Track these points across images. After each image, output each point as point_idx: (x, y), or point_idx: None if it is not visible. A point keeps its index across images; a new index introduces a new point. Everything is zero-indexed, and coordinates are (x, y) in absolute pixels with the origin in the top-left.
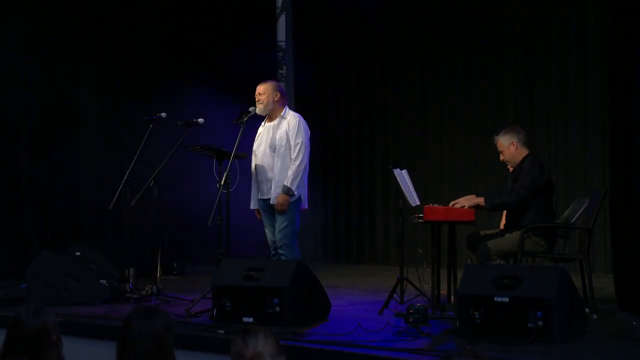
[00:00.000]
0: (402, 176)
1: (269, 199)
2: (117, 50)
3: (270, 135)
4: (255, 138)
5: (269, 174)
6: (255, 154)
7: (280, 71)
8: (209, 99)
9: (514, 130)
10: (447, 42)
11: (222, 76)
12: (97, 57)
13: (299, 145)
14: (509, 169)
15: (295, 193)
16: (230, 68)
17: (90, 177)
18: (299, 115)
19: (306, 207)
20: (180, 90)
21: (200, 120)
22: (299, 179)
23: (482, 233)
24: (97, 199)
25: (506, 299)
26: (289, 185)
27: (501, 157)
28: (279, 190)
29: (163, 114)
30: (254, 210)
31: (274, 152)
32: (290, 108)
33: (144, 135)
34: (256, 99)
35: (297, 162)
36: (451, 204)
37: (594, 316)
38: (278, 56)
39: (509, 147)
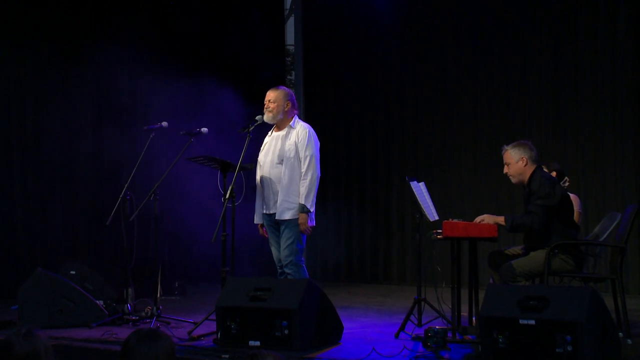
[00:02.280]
0: (419, 189)
1: (275, 214)
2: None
3: (279, 146)
4: (261, 148)
5: (276, 187)
6: (261, 165)
7: (289, 77)
8: (213, 108)
9: (527, 146)
10: (470, 46)
11: (226, 83)
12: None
13: (308, 158)
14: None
15: (311, 209)
16: (235, 74)
17: (86, 191)
18: (308, 126)
19: (313, 223)
20: (179, 97)
21: (204, 129)
22: (312, 194)
23: (505, 251)
24: (94, 214)
25: (532, 322)
26: (303, 202)
27: (505, 170)
28: (287, 205)
29: (164, 123)
30: (258, 225)
31: (282, 163)
32: (299, 117)
33: (143, 146)
34: (265, 106)
35: (309, 177)
36: (476, 220)
37: (628, 341)
38: (287, 61)
39: (518, 162)
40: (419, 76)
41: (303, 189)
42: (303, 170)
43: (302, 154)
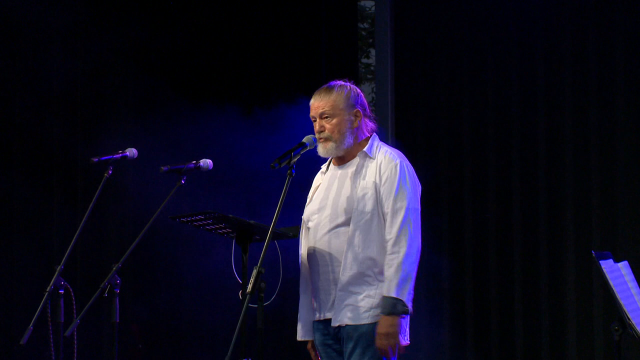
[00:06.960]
0: (619, 275)
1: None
2: None
3: (346, 191)
4: (309, 196)
5: (337, 267)
6: (309, 228)
7: (364, 59)
8: (227, 121)
9: None
10: None
11: (258, 76)
12: None
13: (402, 213)
14: None
15: (409, 308)
16: (272, 58)
17: None
18: (399, 153)
19: (408, 341)
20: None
21: (205, 162)
22: (410, 281)
23: None
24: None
25: None
26: (393, 295)
27: None
28: (355, 300)
29: (130, 152)
30: (305, 342)
31: (349, 224)
32: (383, 136)
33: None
34: (317, 129)
35: (403, 249)
36: None
37: None
38: (360, 32)
39: None
40: (609, 74)
41: (391, 271)
42: (391, 236)
43: (388, 206)
